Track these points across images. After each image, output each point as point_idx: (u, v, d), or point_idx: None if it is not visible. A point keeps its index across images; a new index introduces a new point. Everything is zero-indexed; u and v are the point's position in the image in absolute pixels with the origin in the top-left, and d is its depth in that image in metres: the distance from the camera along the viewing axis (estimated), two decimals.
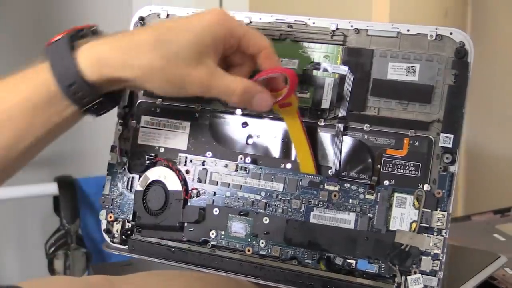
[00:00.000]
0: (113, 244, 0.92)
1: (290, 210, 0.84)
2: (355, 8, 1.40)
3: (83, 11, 2.14)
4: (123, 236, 0.92)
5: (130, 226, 0.91)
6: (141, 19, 0.93)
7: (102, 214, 0.93)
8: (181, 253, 0.88)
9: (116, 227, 0.92)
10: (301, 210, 0.84)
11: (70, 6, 2.15)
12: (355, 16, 1.14)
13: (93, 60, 0.76)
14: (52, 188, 1.82)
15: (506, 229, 1.26)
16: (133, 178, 0.91)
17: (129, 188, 0.91)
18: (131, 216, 0.91)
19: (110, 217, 0.92)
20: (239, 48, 0.80)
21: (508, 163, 1.65)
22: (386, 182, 0.81)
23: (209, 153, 0.89)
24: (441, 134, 0.79)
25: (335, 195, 0.83)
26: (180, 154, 0.90)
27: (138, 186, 0.91)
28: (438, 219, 0.78)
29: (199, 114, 0.90)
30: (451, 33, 0.80)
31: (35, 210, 2.03)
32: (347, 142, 0.83)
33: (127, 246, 0.91)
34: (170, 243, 0.89)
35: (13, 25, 2.06)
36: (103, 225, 0.93)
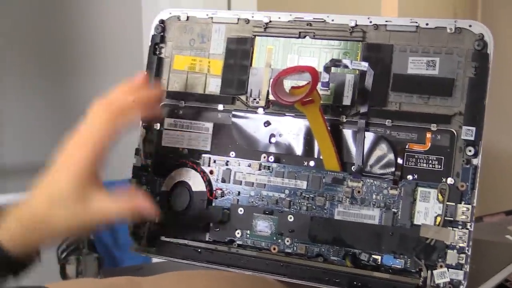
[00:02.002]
0: (140, 247, 0.93)
1: (314, 207, 0.85)
2: (363, 11, 1.39)
3: (93, 15, 2.15)
4: (150, 238, 0.92)
5: (156, 228, 0.92)
6: (162, 22, 0.94)
7: None
8: (208, 254, 0.88)
9: (143, 230, 0.92)
10: (325, 207, 0.84)
11: (80, 9, 2.16)
12: None
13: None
14: None
15: None
16: (158, 180, 0.92)
17: (154, 190, 0.92)
18: (157, 218, 0.91)
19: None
20: None
21: None
22: (410, 177, 0.81)
23: (232, 153, 0.89)
24: (463, 127, 0.79)
25: (358, 191, 0.83)
26: (203, 155, 0.90)
27: (163, 187, 0.91)
28: (462, 213, 0.78)
29: (221, 114, 0.90)
30: (470, 26, 0.80)
31: None
32: (370, 138, 0.83)
33: (154, 248, 0.92)
34: (196, 243, 0.89)
35: (22, 34, 2.08)
36: (130, 228, 0.93)
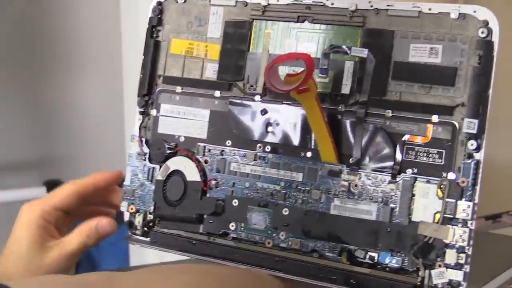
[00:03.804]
0: (135, 236, 0.90)
1: (310, 201, 0.81)
2: None
3: (70, 12, 2.13)
4: (145, 228, 0.89)
5: (151, 217, 0.89)
6: (159, 3, 0.90)
7: (124, 205, 0.90)
8: (202, 246, 0.85)
9: (138, 219, 0.90)
10: (321, 201, 0.80)
11: (56, 7, 2.13)
12: None
13: None
14: (41, 192, 1.81)
15: None
16: (153, 168, 0.89)
17: (149, 179, 0.89)
18: (152, 207, 0.89)
19: (132, 209, 0.90)
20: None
21: (500, 169, 1.59)
22: (409, 171, 0.77)
23: (228, 142, 0.85)
24: (465, 119, 0.74)
25: (356, 185, 0.79)
26: (199, 143, 0.87)
27: (158, 175, 0.88)
28: (463, 210, 0.74)
29: (218, 101, 0.87)
30: (474, 11, 0.75)
31: None
32: (368, 129, 0.79)
33: (149, 238, 0.89)
34: (191, 235, 0.86)
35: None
36: (126, 217, 0.91)
